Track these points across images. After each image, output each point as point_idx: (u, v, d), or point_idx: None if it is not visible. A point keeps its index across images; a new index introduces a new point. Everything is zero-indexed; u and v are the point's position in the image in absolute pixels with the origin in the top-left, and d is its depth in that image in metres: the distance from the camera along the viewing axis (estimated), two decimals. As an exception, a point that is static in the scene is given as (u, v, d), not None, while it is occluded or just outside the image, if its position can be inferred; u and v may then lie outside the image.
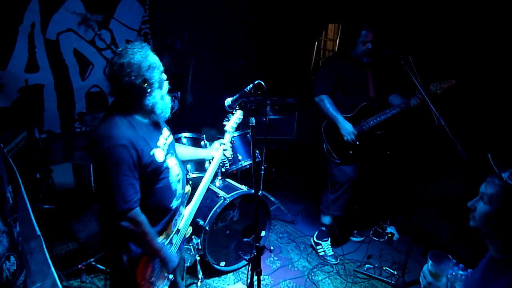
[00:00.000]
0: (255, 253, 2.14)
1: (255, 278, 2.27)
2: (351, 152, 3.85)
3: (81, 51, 4.19)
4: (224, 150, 2.76)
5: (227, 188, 3.84)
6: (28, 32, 3.85)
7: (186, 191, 2.47)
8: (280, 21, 6.01)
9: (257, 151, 4.22)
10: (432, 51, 4.73)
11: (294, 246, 4.36)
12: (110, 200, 2.02)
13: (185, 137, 3.76)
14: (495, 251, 1.67)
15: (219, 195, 3.70)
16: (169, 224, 2.32)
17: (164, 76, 2.17)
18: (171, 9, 4.88)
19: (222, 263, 3.77)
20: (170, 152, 2.28)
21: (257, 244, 2.12)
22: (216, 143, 2.80)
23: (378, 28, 3.89)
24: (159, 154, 2.16)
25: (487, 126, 4.21)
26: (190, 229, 2.57)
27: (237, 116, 2.67)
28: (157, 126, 2.24)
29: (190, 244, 3.50)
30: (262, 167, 4.56)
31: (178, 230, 2.41)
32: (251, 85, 2.16)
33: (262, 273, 3.81)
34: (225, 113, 2.72)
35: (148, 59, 2.04)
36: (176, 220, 2.37)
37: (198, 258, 3.53)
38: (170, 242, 2.33)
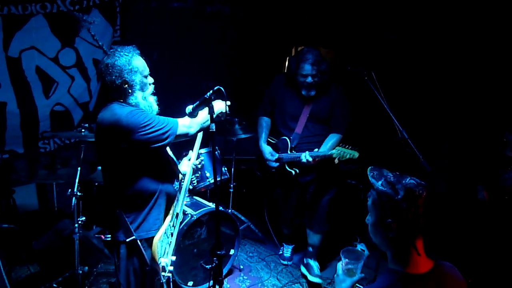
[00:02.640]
0: (217, 262, 2.09)
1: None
2: (268, 175, 3.95)
3: (44, 69, 4.13)
4: (193, 165, 2.86)
5: (194, 205, 3.78)
6: (-11, 49, 3.80)
7: (180, 177, 2.76)
8: (250, 43, 6.10)
9: (225, 169, 4.19)
10: (392, 66, 4.88)
11: (264, 265, 4.30)
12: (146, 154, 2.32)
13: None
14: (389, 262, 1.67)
15: (186, 212, 3.63)
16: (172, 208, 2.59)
17: (149, 80, 2.43)
18: (142, 30, 4.89)
19: (190, 283, 3.67)
20: None
21: (218, 252, 2.07)
22: (185, 160, 2.94)
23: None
24: None
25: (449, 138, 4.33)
26: (181, 216, 2.73)
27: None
28: None
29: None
30: (231, 185, 4.54)
31: (177, 214, 2.60)
32: (211, 91, 2.17)
33: (232, 293, 3.82)
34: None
35: (131, 63, 2.31)
36: (176, 203, 2.62)
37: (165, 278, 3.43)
38: (173, 225, 2.56)
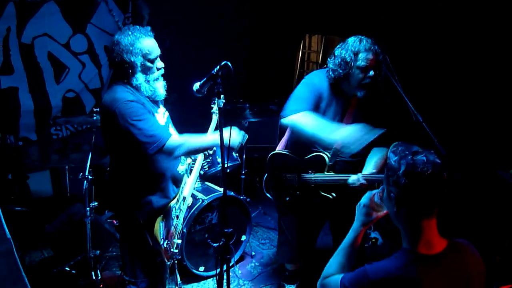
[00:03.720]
0: (224, 240, 2.06)
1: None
2: (287, 199, 3.12)
3: (56, 55, 4.15)
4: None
5: (205, 191, 3.76)
6: (4, 36, 3.83)
7: (188, 162, 2.74)
8: (264, 30, 6.05)
9: (237, 155, 4.16)
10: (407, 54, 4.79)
11: (276, 252, 4.27)
12: (137, 149, 2.24)
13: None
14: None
15: (197, 197, 3.61)
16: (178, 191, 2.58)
17: (157, 64, 2.37)
18: (154, 16, 4.89)
19: (201, 268, 3.67)
20: (169, 123, 2.59)
21: (226, 230, 2.05)
22: None
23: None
24: (160, 118, 2.44)
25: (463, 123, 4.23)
26: (191, 200, 2.78)
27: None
28: (154, 102, 2.49)
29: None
30: (243, 171, 4.52)
31: (184, 198, 2.62)
32: (218, 67, 2.14)
33: (243, 278, 3.79)
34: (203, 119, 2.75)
35: (135, 44, 2.27)
36: (182, 187, 2.61)
37: (176, 262, 3.43)
38: (180, 208, 2.58)
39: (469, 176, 4.14)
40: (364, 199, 1.78)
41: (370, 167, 2.80)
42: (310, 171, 2.93)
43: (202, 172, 3.87)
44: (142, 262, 2.53)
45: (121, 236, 2.72)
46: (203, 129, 2.79)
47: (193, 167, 2.83)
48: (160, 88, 2.44)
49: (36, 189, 4.28)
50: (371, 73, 2.69)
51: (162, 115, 2.53)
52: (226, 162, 2.30)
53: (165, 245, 2.46)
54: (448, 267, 1.52)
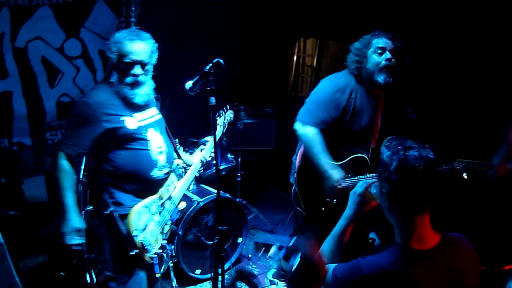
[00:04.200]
0: (218, 238, 2.05)
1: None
2: (323, 208, 2.92)
3: (49, 59, 4.13)
4: (203, 158, 2.88)
5: (201, 193, 3.76)
6: (-3, 40, 3.83)
7: (180, 163, 2.80)
8: (259, 33, 6.07)
9: (232, 156, 4.16)
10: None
11: (273, 254, 4.25)
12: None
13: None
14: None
15: (192, 199, 3.61)
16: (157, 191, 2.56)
17: (131, 68, 2.35)
18: (148, 20, 4.89)
19: (198, 271, 3.65)
20: (153, 127, 2.55)
21: (220, 228, 2.03)
22: (197, 150, 2.97)
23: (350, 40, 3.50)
24: (130, 122, 2.42)
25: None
26: (184, 204, 2.78)
27: (226, 115, 2.92)
28: (146, 102, 2.52)
29: (164, 251, 3.40)
30: (239, 174, 4.50)
31: (170, 197, 2.63)
32: (210, 65, 2.14)
33: (240, 281, 3.76)
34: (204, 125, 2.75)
35: (116, 43, 2.33)
36: (168, 186, 2.62)
37: (171, 265, 3.41)
38: (162, 205, 2.58)
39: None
40: (359, 188, 1.78)
41: None
42: (349, 175, 2.76)
43: (197, 174, 3.84)
44: (119, 256, 2.52)
45: (96, 230, 2.77)
46: (201, 132, 2.84)
47: (182, 171, 2.85)
48: (136, 93, 2.42)
49: (31, 194, 4.25)
50: (388, 54, 2.64)
51: (144, 115, 2.53)
52: (218, 159, 2.30)
53: (140, 239, 2.41)
54: (441, 261, 1.51)
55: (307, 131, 2.78)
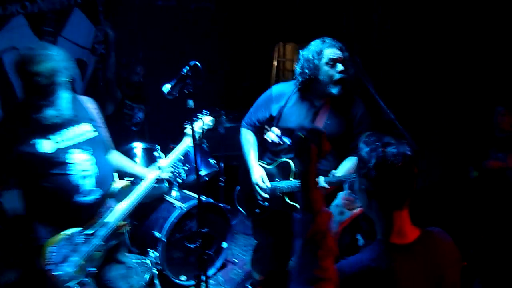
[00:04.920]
0: (200, 241, 2.04)
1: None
2: (257, 211, 3.02)
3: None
4: (160, 175, 2.63)
5: (184, 199, 3.74)
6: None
7: (122, 186, 2.49)
8: (235, 40, 6.10)
9: (214, 161, 4.15)
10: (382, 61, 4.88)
11: (258, 257, 4.24)
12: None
13: (136, 147, 3.66)
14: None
15: (175, 206, 3.59)
16: (91, 218, 2.36)
17: (39, 88, 2.10)
18: (124, 30, 4.87)
19: (183, 277, 3.62)
20: (79, 148, 2.30)
21: (201, 230, 2.02)
22: (155, 167, 2.69)
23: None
24: (46, 145, 2.20)
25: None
26: (127, 225, 2.54)
27: (205, 122, 2.81)
28: (66, 121, 2.25)
29: (147, 258, 3.37)
30: (222, 179, 4.49)
31: (106, 223, 2.39)
32: (187, 67, 2.14)
33: (226, 285, 3.75)
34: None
35: (30, 63, 2.06)
36: (101, 212, 2.39)
37: (156, 273, 3.38)
38: (94, 235, 2.35)
39: (443, 170, 4.22)
40: (337, 200, 1.78)
41: (339, 172, 2.72)
42: (276, 179, 2.89)
43: (180, 181, 3.84)
44: None
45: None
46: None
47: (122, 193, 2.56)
48: (47, 113, 2.17)
49: (12, 207, 4.16)
50: (340, 67, 2.65)
51: (68, 135, 2.29)
52: (196, 163, 2.27)
53: (56, 272, 2.25)
54: (421, 255, 1.52)
55: (242, 131, 3.07)
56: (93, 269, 2.37)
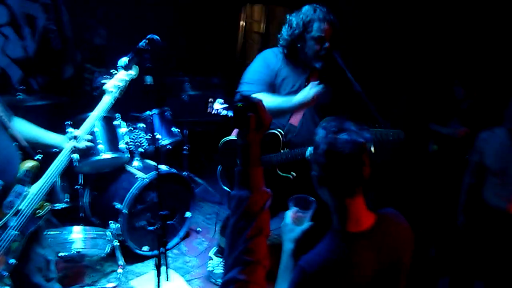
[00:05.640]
0: (160, 223, 1.99)
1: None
2: None
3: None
4: (75, 145, 2.30)
5: (145, 169, 3.64)
6: None
7: (28, 167, 2.19)
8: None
9: (177, 130, 4.04)
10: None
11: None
12: None
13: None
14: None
15: (136, 176, 3.50)
16: None
17: None
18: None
19: (145, 248, 3.57)
20: None
21: (162, 213, 1.97)
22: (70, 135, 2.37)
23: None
24: None
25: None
26: (47, 206, 2.28)
27: (127, 73, 2.35)
28: None
29: (107, 230, 3.30)
30: (185, 147, 4.41)
31: (18, 211, 2.17)
32: (144, 41, 2.01)
33: (189, 255, 3.75)
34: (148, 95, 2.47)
35: None
36: (11, 201, 2.15)
37: (117, 244, 3.33)
38: (5, 226, 2.11)
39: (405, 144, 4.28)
40: (285, 219, 1.73)
41: None
42: (264, 153, 2.76)
43: (142, 150, 3.74)
44: None
45: None
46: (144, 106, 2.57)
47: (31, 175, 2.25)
48: None
49: None
50: (327, 44, 2.62)
51: None
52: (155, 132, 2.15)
53: None
54: (378, 240, 1.53)
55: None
56: (13, 260, 2.15)
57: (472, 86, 3.85)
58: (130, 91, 4.43)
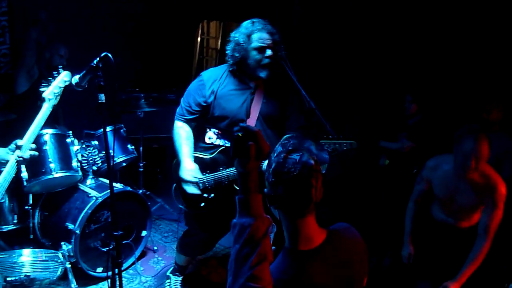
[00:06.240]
0: (114, 244, 1.95)
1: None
2: (203, 204, 2.89)
3: None
4: (19, 155, 2.28)
5: (99, 187, 3.56)
6: None
7: None
8: (158, 14, 5.83)
9: (133, 147, 3.98)
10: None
11: (179, 244, 4.19)
12: None
13: (47, 133, 3.37)
14: None
15: (90, 195, 3.41)
16: None
17: None
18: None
19: (99, 269, 3.47)
20: None
21: (115, 233, 1.93)
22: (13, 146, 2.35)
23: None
24: None
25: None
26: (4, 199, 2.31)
27: (62, 78, 2.38)
28: None
29: (59, 252, 3.19)
30: (141, 164, 4.35)
31: None
32: (98, 59, 1.99)
33: (146, 275, 3.66)
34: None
35: None
36: None
37: (69, 266, 3.22)
38: None
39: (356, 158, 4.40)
40: None
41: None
42: (221, 168, 2.82)
43: (95, 168, 3.65)
44: None
45: None
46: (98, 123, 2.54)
47: None
48: None
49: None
50: (269, 52, 2.66)
51: None
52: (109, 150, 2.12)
53: None
54: (328, 256, 1.51)
55: (175, 124, 2.93)
56: None
57: (424, 102, 3.99)
58: (83, 108, 4.38)
